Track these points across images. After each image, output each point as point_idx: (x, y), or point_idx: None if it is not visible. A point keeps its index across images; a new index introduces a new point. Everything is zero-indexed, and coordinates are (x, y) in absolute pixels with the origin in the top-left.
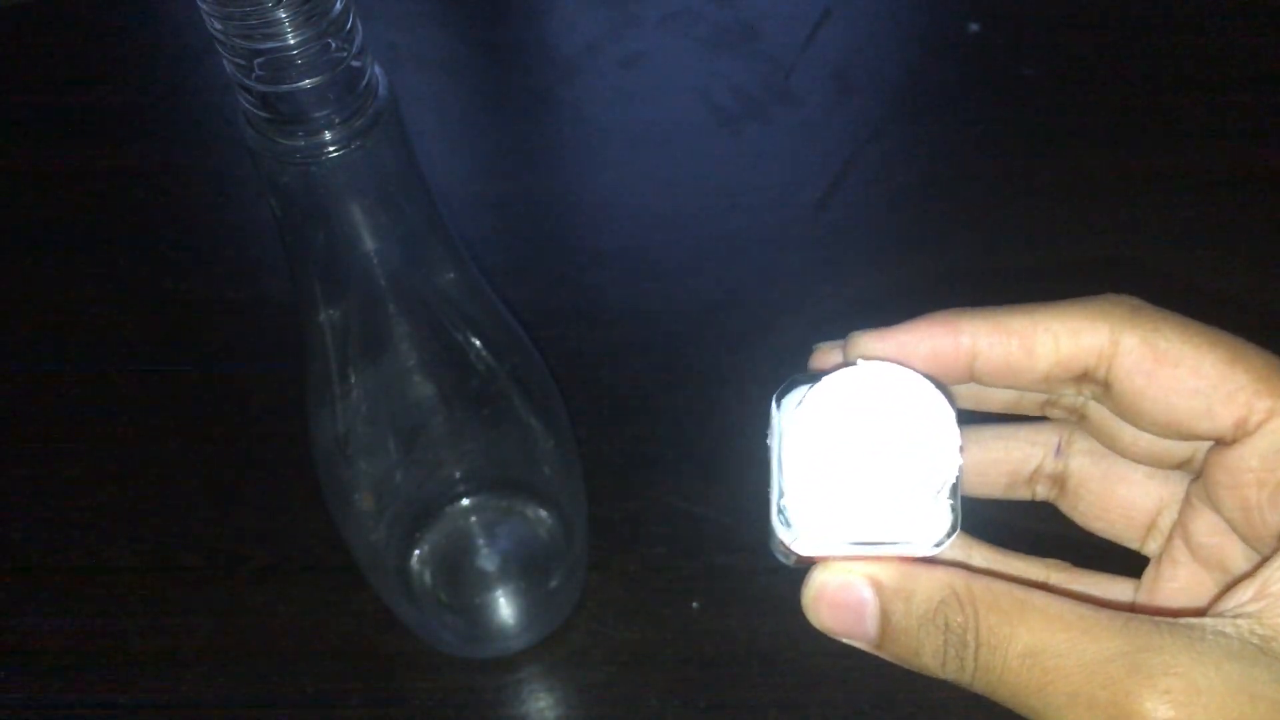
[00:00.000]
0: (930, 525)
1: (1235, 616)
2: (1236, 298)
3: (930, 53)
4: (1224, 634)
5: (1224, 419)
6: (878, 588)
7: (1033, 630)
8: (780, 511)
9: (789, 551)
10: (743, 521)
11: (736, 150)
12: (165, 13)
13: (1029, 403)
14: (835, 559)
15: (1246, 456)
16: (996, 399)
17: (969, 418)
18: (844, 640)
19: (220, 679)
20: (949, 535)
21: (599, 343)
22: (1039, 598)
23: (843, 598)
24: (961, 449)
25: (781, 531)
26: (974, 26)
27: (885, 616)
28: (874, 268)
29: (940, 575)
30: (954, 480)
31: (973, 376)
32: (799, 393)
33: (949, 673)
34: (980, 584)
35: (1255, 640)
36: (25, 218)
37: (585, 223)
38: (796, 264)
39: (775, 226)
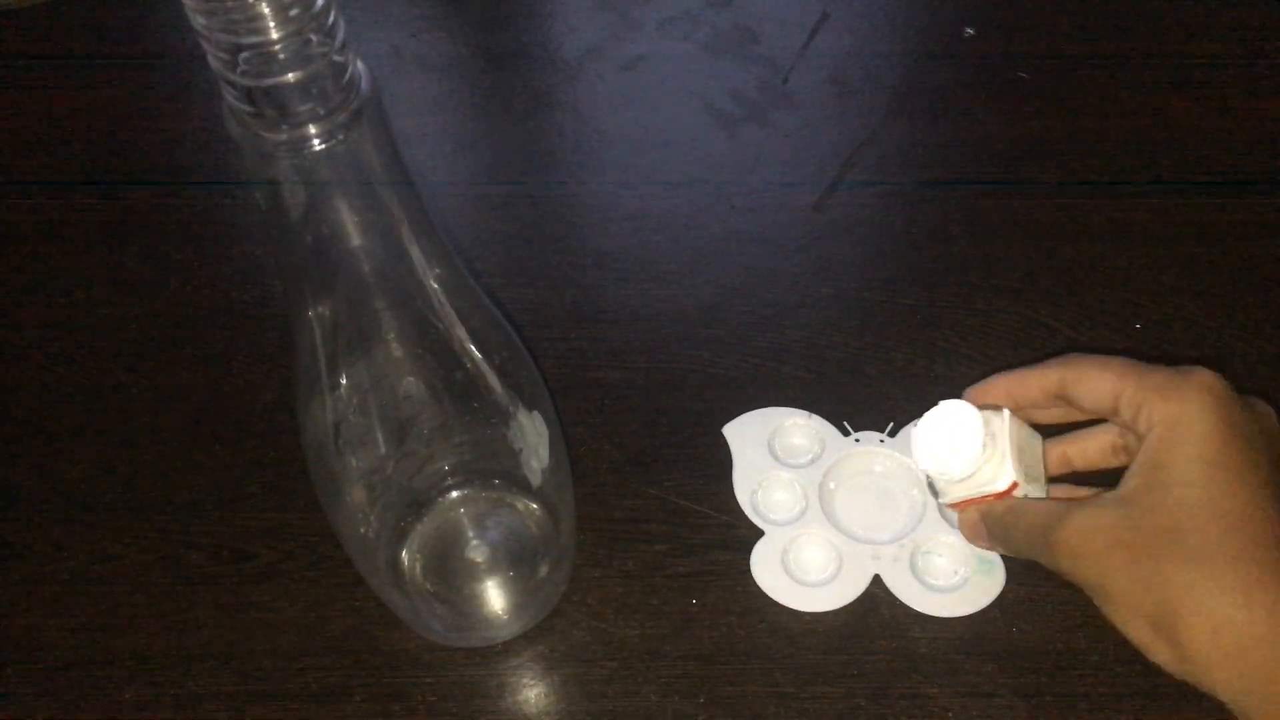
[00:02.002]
0: (1001, 479)
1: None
2: (1231, 299)
3: (926, 56)
4: (1107, 498)
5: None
6: (984, 515)
7: (1030, 519)
8: (930, 486)
9: (943, 506)
10: (741, 520)
11: (735, 152)
12: (169, 13)
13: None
14: (963, 505)
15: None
16: (1054, 414)
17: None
18: (979, 546)
19: (225, 675)
20: (1011, 482)
21: (599, 343)
22: (1037, 504)
23: (971, 526)
24: (990, 441)
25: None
26: (969, 30)
27: (989, 529)
28: (870, 269)
29: (1004, 503)
30: (1004, 452)
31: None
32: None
33: (1013, 550)
34: (1013, 504)
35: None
36: (31, 219)
37: (586, 224)
38: (794, 265)
39: (773, 228)
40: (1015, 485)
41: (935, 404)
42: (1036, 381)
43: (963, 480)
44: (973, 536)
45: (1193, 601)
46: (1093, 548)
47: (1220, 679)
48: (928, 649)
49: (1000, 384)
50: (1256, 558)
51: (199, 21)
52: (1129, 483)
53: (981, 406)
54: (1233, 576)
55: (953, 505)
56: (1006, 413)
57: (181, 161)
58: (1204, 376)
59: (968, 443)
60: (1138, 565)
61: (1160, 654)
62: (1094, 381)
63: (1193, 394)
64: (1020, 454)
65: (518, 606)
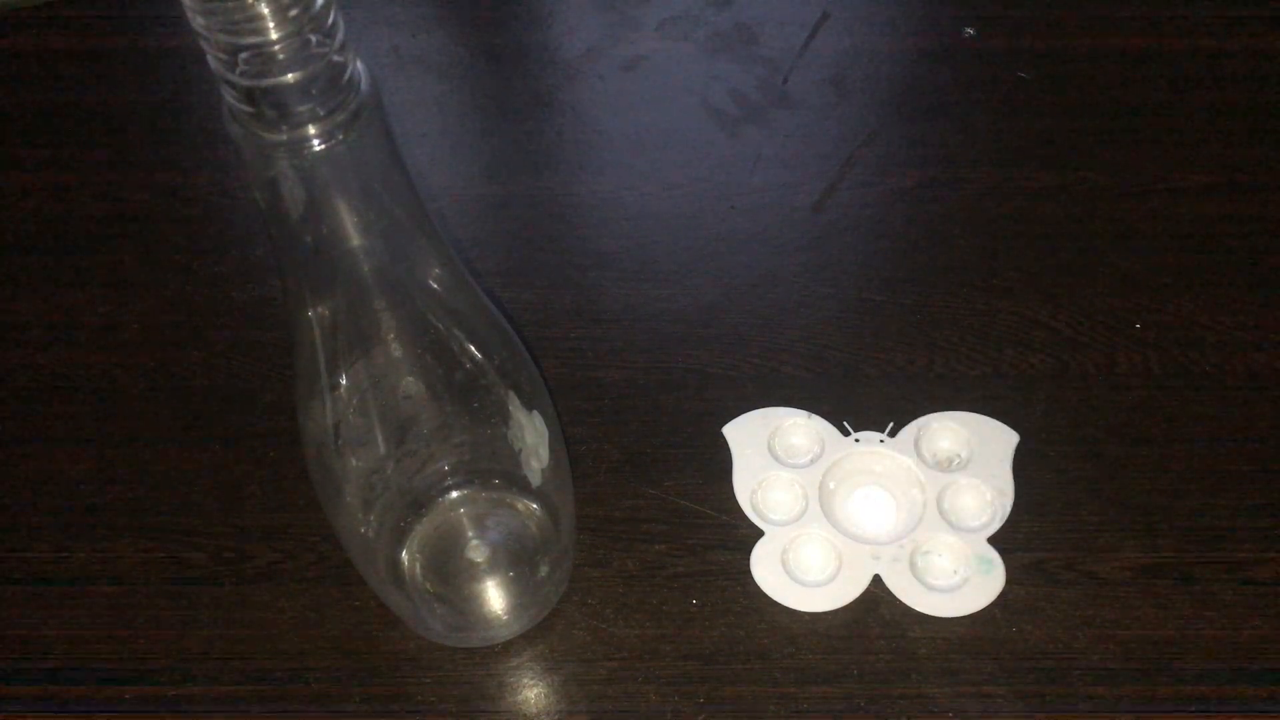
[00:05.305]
0: None
1: None
2: (1231, 299)
3: (926, 56)
4: None
5: None
6: None
7: None
8: None
9: None
10: (741, 520)
11: (735, 153)
12: (169, 14)
13: None
14: None
15: None
16: None
17: None
18: None
19: (225, 675)
20: None
21: (599, 343)
22: None
23: None
24: None
25: None
26: (969, 30)
27: None
28: (870, 269)
29: None
30: None
31: None
32: None
33: None
34: None
35: None
36: (33, 219)
37: (586, 224)
38: (793, 265)
39: (773, 228)
40: None
41: (934, 404)
42: None
43: None
44: None
45: None
46: None
47: None
48: (928, 649)
49: None
50: None
51: (198, 21)
52: None
53: None
54: None
55: None
56: None
57: (181, 161)
58: None
59: None
60: None
61: None
62: None
63: None
64: None
65: (517, 606)
